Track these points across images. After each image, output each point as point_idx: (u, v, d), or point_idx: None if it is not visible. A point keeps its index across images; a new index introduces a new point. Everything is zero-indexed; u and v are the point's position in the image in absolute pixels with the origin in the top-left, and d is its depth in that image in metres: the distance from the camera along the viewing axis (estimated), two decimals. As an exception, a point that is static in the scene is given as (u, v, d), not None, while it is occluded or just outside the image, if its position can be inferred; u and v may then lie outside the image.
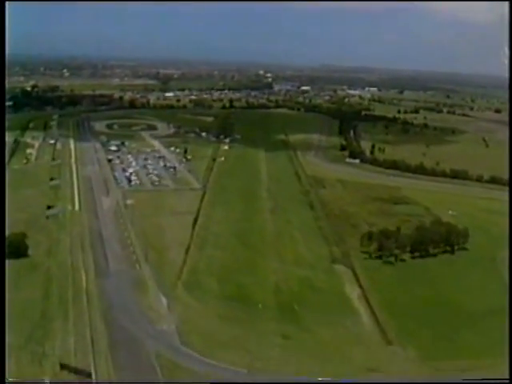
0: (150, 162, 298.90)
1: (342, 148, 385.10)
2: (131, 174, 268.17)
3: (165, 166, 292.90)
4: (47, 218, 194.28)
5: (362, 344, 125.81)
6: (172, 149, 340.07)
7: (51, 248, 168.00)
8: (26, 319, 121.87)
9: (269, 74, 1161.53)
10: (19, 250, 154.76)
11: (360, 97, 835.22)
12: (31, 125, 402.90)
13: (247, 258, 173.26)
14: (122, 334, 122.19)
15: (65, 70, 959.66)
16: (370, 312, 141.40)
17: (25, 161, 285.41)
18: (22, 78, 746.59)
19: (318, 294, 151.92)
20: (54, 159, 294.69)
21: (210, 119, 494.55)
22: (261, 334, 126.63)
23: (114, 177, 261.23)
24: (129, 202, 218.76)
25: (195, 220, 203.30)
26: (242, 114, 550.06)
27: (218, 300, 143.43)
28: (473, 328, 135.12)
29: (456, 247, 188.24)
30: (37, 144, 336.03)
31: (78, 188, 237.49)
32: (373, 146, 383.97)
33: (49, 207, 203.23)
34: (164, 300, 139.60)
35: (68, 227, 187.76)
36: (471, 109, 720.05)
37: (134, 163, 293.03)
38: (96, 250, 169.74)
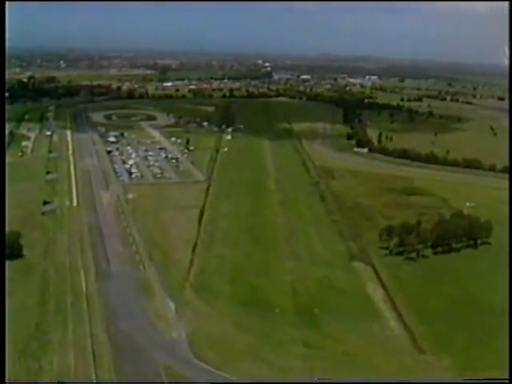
0: (150, 153, 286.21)
1: (349, 137, 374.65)
2: (131, 166, 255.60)
3: (166, 157, 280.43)
4: (43, 214, 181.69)
5: (391, 353, 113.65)
6: (173, 139, 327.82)
7: (48, 247, 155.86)
8: (20, 329, 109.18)
9: (267, 64, 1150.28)
10: (13, 251, 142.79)
11: (361, 85, 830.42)
12: (27, 116, 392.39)
13: (259, 256, 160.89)
14: (126, 344, 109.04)
15: (62, 62, 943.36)
16: (396, 315, 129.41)
17: (20, 153, 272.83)
18: (18, 70, 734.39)
19: (339, 295, 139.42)
20: (50, 151, 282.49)
21: (210, 109, 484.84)
22: (280, 342, 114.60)
23: (114, 169, 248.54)
24: (130, 196, 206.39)
25: (201, 215, 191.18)
26: (242, 103, 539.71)
27: (231, 304, 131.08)
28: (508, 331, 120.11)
29: (479, 241, 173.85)
30: (33, 136, 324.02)
31: (76, 182, 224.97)
32: (380, 135, 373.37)
33: (45, 203, 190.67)
34: (172, 305, 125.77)
35: (66, 224, 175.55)
36: (474, 96, 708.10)
37: (134, 155, 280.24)
38: (96, 250, 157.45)
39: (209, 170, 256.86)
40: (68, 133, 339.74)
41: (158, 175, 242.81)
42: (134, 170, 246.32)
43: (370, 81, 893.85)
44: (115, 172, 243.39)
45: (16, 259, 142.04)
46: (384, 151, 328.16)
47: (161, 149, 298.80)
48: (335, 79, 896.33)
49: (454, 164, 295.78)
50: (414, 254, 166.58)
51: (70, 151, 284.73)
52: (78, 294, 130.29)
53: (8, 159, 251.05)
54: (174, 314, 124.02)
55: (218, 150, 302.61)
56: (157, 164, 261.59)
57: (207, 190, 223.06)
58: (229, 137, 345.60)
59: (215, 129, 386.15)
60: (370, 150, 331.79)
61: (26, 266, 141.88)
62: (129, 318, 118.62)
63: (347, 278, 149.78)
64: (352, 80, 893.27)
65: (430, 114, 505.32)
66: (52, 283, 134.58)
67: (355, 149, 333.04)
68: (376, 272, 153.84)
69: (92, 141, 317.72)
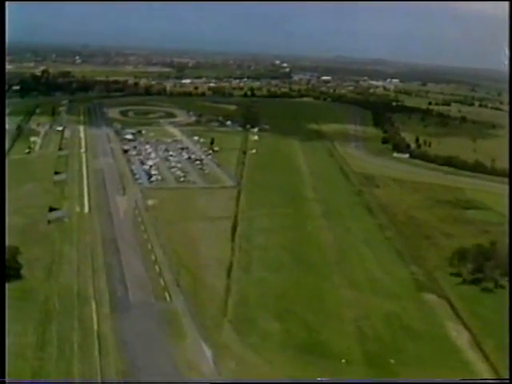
0: (171, 153, 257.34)
1: (384, 141, 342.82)
2: (151, 167, 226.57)
3: (189, 158, 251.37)
4: (49, 223, 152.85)
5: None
6: (195, 138, 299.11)
7: (52, 267, 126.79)
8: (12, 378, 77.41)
9: (285, 64, 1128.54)
10: (9, 271, 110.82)
11: (384, 88, 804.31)
12: (38, 110, 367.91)
13: (309, 282, 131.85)
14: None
15: (77, 57, 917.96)
16: (494, 372, 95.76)
17: (27, 150, 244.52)
18: (32, 64, 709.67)
19: (416, 339, 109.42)
20: (60, 149, 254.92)
21: (232, 107, 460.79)
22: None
23: (131, 171, 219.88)
24: (150, 202, 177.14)
25: (234, 228, 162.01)
26: (265, 102, 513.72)
27: (283, 350, 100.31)
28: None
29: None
30: (42, 131, 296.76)
31: (88, 184, 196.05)
32: (417, 140, 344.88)
33: (51, 209, 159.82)
34: (207, 351, 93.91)
35: (75, 236, 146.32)
36: (501, 103, 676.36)
37: (153, 154, 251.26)
38: (111, 270, 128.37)
39: (237, 174, 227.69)
40: (81, 128, 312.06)
41: (181, 179, 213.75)
42: (153, 172, 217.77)
43: (392, 84, 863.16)
44: (133, 174, 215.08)
45: (12, 281, 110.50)
46: (426, 157, 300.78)
47: (182, 149, 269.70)
48: (357, 81, 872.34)
49: (503, 174, 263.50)
50: (490, 284, 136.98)
51: (83, 149, 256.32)
52: (87, 331, 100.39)
53: (13, 156, 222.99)
54: (210, 363, 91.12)
55: (245, 152, 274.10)
56: (179, 166, 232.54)
57: (238, 198, 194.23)
58: (255, 137, 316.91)
59: (239, 128, 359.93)
60: (411, 156, 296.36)
61: (23, 292, 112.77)
62: (152, 371, 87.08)
63: (421, 316, 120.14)
64: (374, 82, 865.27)
65: (463, 119, 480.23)
66: (55, 316, 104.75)
67: (395, 154, 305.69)
68: (453, 307, 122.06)
69: (107, 138, 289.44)
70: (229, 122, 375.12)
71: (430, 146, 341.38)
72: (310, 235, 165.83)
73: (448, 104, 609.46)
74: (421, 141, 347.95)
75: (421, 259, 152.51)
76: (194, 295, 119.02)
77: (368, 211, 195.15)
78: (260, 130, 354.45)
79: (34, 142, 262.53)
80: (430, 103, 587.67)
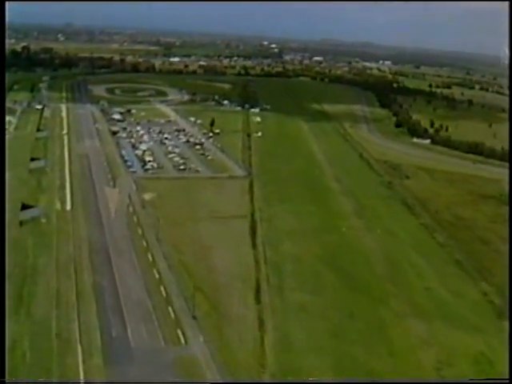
0: (167, 136, 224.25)
1: (398, 124, 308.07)
2: (144, 152, 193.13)
3: (187, 141, 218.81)
4: (21, 225, 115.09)
5: None
6: (192, 119, 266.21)
7: (22, 291, 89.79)
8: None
9: (274, 45, 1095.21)
10: None
11: (379, 69, 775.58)
12: (16, 87, 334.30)
13: (364, 310, 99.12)
14: None
15: (60, 35, 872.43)
16: None
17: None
18: (13, 41, 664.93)
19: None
20: (39, 130, 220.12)
21: (226, 86, 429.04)
22: None
23: (122, 156, 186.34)
24: (147, 196, 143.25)
25: (253, 230, 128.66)
26: (261, 81, 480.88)
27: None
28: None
29: None
30: (19, 110, 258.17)
31: (71, 173, 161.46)
32: (432, 124, 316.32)
33: (24, 206, 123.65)
34: None
35: (53, 244, 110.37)
36: (500, 87, 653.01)
37: (146, 137, 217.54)
38: (102, 296, 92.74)
39: (245, 161, 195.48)
40: (63, 107, 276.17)
41: (181, 166, 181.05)
42: (148, 159, 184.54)
43: (385, 66, 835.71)
44: (124, 160, 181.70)
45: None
46: (448, 143, 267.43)
47: (179, 131, 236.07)
48: (349, 62, 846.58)
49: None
50: None
51: (65, 130, 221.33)
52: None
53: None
54: None
55: (249, 135, 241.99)
56: (177, 151, 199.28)
57: (251, 190, 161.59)
58: (258, 118, 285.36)
59: (238, 108, 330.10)
60: (433, 142, 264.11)
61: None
62: None
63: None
64: (367, 64, 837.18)
65: (470, 102, 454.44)
66: (24, 374, 67.72)
67: (414, 139, 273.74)
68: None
69: (92, 118, 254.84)
70: (226, 102, 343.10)
71: (447, 130, 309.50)
72: (347, 240, 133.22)
73: (449, 87, 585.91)
74: (436, 124, 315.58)
75: (487, 272, 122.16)
76: (217, 334, 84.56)
77: (406, 208, 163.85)
78: (261, 110, 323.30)
79: (9, 122, 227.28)
80: (430, 85, 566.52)
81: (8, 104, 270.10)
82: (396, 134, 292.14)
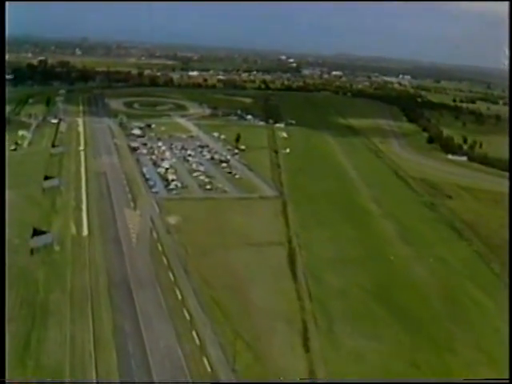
0: (190, 152, 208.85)
1: (430, 140, 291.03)
2: (167, 170, 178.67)
3: (212, 158, 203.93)
4: (31, 253, 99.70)
5: None
6: (215, 134, 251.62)
7: (30, 338, 73.90)
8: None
9: (291, 60, 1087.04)
10: None
11: (400, 84, 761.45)
12: (31, 100, 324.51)
13: (426, 358, 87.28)
14: None
15: (77, 49, 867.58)
16: None
17: (13, 146, 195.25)
18: (30, 55, 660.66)
19: None
20: (54, 145, 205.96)
21: (248, 100, 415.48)
22: None
23: (143, 175, 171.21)
24: (171, 220, 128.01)
25: (291, 259, 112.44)
26: (282, 95, 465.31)
27: None
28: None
29: None
30: (34, 124, 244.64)
31: (88, 193, 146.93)
32: (465, 140, 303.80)
33: (36, 232, 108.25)
34: None
35: (68, 277, 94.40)
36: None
37: (168, 154, 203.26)
38: (123, 342, 77.96)
39: (275, 180, 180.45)
40: (79, 121, 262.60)
41: (208, 186, 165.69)
42: (171, 177, 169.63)
43: (404, 80, 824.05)
44: (145, 179, 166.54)
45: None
46: (486, 161, 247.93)
47: (202, 147, 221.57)
48: (369, 77, 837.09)
49: None
50: None
51: (82, 146, 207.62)
52: None
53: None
54: None
55: (276, 151, 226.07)
56: (201, 168, 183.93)
57: (284, 212, 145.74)
58: (284, 134, 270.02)
59: (262, 123, 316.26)
60: (469, 159, 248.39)
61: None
62: None
63: None
64: (388, 78, 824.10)
65: (498, 117, 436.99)
66: None
67: (450, 156, 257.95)
68: None
69: (110, 133, 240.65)
70: (249, 116, 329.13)
71: (481, 146, 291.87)
72: (396, 270, 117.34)
73: (473, 101, 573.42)
74: (469, 140, 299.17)
75: None
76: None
77: (455, 232, 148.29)
78: (286, 125, 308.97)
79: (23, 137, 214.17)
80: (454, 100, 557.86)
81: (22, 118, 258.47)
82: (429, 150, 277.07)
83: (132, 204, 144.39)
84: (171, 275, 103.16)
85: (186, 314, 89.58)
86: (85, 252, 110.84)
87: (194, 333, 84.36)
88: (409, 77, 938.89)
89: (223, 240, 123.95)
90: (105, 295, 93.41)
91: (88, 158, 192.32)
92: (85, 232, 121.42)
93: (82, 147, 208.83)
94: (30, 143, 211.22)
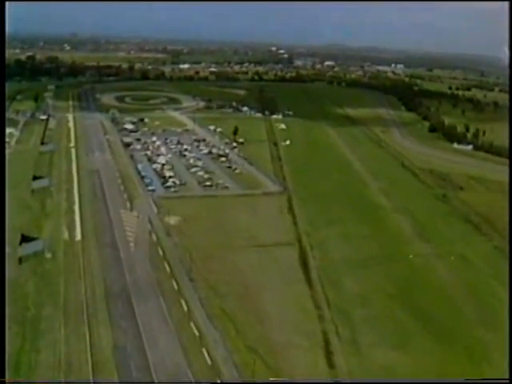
0: (186, 146, 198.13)
1: (432, 129, 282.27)
2: (163, 166, 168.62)
3: (210, 152, 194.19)
4: (20, 262, 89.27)
5: None
6: (211, 128, 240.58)
7: (20, 359, 64.72)
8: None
9: (282, 51, 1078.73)
10: None
11: (393, 73, 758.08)
12: (19, 96, 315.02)
13: (461, 369, 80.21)
14: None
15: (66, 45, 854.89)
16: None
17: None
18: (18, 51, 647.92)
19: None
20: (43, 143, 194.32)
21: (241, 92, 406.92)
22: None
23: (138, 172, 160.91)
24: (171, 220, 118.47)
25: (303, 261, 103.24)
26: (276, 86, 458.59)
27: None
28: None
29: None
30: (22, 121, 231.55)
31: (80, 193, 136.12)
32: (467, 128, 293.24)
33: (25, 238, 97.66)
34: None
35: (61, 288, 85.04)
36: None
37: (163, 149, 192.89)
38: (125, 363, 70.45)
39: (278, 174, 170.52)
40: (70, 117, 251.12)
41: (207, 182, 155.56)
42: (168, 174, 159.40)
43: (398, 69, 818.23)
44: (141, 176, 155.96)
45: None
46: (492, 150, 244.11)
47: (198, 141, 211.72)
48: (362, 66, 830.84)
49: None
50: None
51: (72, 143, 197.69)
52: None
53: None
54: None
55: (276, 144, 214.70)
56: (199, 164, 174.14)
57: (290, 210, 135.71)
58: (282, 125, 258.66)
59: (258, 115, 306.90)
60: (475, 148, 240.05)
61: None
62: None
63: None
64: (381, 68, 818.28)
65: (496, 104, 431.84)
66: None
67: (455, 145, 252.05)
68: None
69: (102, 128, 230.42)
70: (245, 108, 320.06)
71: (484, 134, 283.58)
72: (418, 271, 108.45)
73: (469, 89, 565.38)
74: (472, 129, 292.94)
75: None
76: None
77: (472, 226, 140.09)
78: (284, 116, 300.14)
79: (10, 135, 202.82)
80: (450, 88, 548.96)
81: (10, 115, 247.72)
82: (432, 139, 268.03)
83: (128, 204, 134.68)
84: (175, 283, 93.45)
85: (194, 329, 79.38)
86: (79, 259, 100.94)
87: (203, 350, 73.91)
88: (402, 66, 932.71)
89: (228, 241, 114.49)
90: (102, 309, 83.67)
91: (79, 155, 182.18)
92: (78, 236, 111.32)
93: (72, 144, 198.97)
94: (17, 141, 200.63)
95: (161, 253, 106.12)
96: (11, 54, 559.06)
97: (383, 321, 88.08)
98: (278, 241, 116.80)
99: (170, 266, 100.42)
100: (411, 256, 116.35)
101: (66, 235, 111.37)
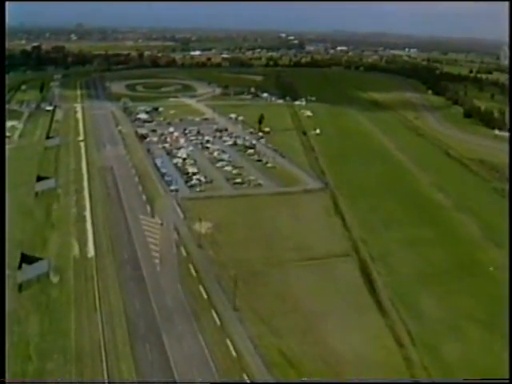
0: (207, 137, 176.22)
1: (467, 114, 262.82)
2: (185, 161, 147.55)
3: (235, 144, 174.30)
4: (20, 290, 68.10)
5: None
6: (232, 116, 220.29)
7: None
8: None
9: (292, 37, 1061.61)
10: None
11: (409, 57, 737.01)
12: (23, 86, 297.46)
13: None
14: None
15: (72, 35, 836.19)
16: None
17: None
18: (23, 42, 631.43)
19: None
20: (49, 137, 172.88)
21: (258, 78, 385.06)
22: None
23: (157, 168, 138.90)
24: (202, 229, 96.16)
25: (368, 279, 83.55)
26: (293, 72, 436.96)
27: None
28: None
29: None
30: (26, 112, 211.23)
31: (91, 196, 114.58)
32: (503, 113, 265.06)
33: (25, 258, 76.44)
34: None
35: (71, 325, 65.50)
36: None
37: (182, 141, 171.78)
38: None
39: (314, 168, 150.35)
40: (78, 107, 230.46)
41: (237, 179, 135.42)
42: (191, 170, 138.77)
43: (412, 53, 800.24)
44: (160, 174, 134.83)
45: None
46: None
47: (220, 131, 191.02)
48: (375, 51, 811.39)
49: None
50: None
51: (81, 136, 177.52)
52: None
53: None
54: None
55: (305, 133, 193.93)
56: (225, 157, 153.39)
57: (337, 210, 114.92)
58: (308, 112, 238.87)
59: (280, 101, 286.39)
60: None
61: None
62: None
63: None
64: (396, 52, 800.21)
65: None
66: None
67: (497, 132, 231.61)
68: None
69: (113, 118, 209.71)
70: (265, 94, 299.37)
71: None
72: (504, 288, 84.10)
73: (490, 72, 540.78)
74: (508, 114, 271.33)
75: None
76: None
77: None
78: (307, 102, 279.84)
79: (13, 128, 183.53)
80: (471, 71, 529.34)
81: (13, 106, 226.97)
82: (469, 124, 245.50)
83: (148, 208, 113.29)
84: (215, 316, 71.74)
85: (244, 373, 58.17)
86: (93, 284, 79.81)
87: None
88: (415, 50, 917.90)
89: (272, 254, 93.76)
90: (126, 357, 62.50)
91: (89, 150, 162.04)
92: (91, 252, 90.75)
93: (81, 137, 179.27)
94: (20, 135, 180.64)
95: (193, 272, 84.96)
96: (16, 44, 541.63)
97: (484, 363, 66.72)
98: (331, 251, 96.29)
99: (206, 290, 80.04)
100: (491, 269, 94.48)
101: (76, 251, 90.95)
